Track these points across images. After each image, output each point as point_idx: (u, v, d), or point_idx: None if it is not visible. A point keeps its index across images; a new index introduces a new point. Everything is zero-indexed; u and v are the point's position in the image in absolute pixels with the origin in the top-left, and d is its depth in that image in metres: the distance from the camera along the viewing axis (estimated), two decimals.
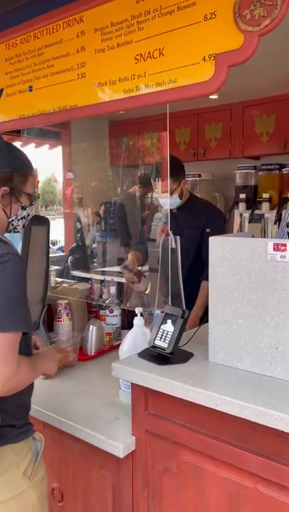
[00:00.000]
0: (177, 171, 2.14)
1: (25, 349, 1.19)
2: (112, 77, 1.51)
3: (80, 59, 1.61)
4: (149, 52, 1.41)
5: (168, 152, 1.70)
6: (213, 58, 1.26)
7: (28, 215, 1.31)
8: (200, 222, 2.21)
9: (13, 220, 1.27)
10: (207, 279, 1.29)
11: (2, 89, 1.47)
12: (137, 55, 1.44)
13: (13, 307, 1.10)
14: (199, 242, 2.20)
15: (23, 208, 1.27)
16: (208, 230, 2.21)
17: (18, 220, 1.28)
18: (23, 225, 1.32)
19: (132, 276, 1.63)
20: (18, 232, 1.34)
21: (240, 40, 1.22)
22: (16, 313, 1.10)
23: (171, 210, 2.21)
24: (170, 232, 1.71)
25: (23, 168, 1.26)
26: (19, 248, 1.76)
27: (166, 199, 2.12)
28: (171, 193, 2.10)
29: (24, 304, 1.14)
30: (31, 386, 1.24)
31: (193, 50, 1.30)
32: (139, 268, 1.67)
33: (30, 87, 1.81)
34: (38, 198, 1.33)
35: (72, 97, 1.64)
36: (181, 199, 2.16)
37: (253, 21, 1.20)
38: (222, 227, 2.45)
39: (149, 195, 4.85)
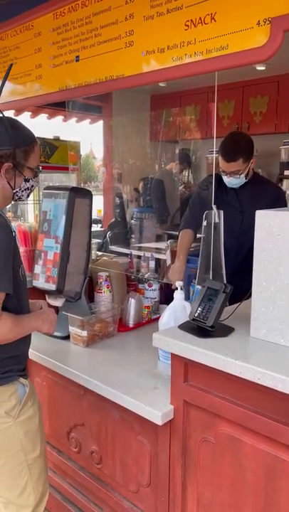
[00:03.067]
0: (249, 150, 2.09)
1: (17, 307, 1.34)
2: (161, 45, 1.47)
3: (128, 27, 1.58)
4: (200, 18, 1.35)
5: (214, 124, 1.64)
6: (268, 22, 1.20)
7: (32, 186, 1.42)
8: (269, 200, 2.11)
9: (17, 191, 1.39)
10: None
11: (11, 64, 1.51)
12: (188, 21, 1.39)
13: None
14: None
15: (27, 181, 1.39)
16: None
17: (22, 191, 1.40)
18: (28, 195, 1.44)
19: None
20: (23, 201, 1.48)
21: None
22: None
23: (233, 188, 2.18)
24: (214, 207, 1.68)
25: (25, 144, 1.35)
26: (63, 221, 1.79)
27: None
28: (240, 173, 2.08)
29: (2, 268, 1.24)
30: (22, 339, 1.36)
31: (247, 14, 1.24)
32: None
33: (77, 57, 1.80)
34: (41, 171, 1.44)
35: (119, 66, 1.62)
36: (246, 178, 2.12)
37: None
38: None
39: (186, 172, 4.78)
